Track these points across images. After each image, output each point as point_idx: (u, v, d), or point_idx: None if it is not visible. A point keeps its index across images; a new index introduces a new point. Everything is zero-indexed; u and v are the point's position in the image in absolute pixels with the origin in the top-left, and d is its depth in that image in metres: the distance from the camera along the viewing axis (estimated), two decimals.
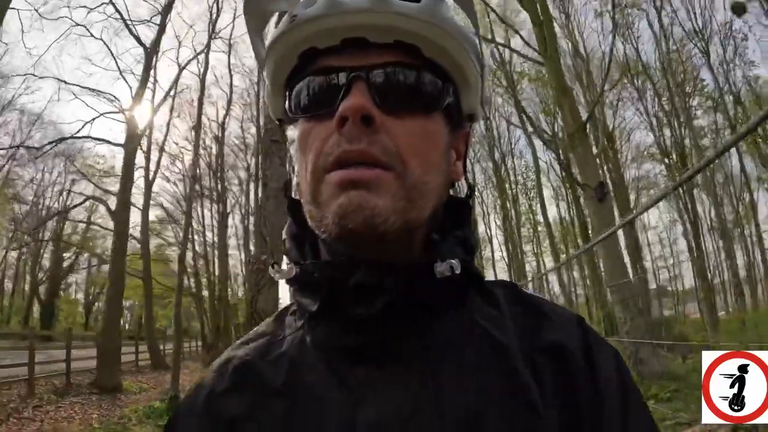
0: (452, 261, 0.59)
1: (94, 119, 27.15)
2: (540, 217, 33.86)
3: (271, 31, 0.69)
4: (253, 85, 31.57)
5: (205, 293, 30.99)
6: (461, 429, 0.57)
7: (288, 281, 0.66)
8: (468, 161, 0.75)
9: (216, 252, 31.22)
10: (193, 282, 31.69)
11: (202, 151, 29.80)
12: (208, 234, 32.70)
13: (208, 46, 25.55)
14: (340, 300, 0.60)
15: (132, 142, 19.63)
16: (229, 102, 30.03)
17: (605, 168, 27.04)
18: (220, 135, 30.41)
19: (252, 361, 0.67)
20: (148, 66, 20.99)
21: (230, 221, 32.89)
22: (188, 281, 31.55)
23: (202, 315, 31.30)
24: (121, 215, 18.73)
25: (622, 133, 29.29)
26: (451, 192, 0.71)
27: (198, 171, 28.93)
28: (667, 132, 26.03)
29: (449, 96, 0.65)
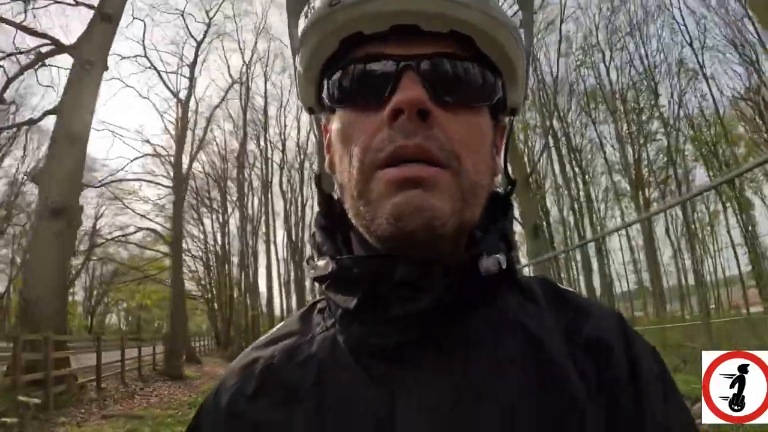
0: (498, 256, 0.53)
1: (136, 158, 27.66)
2: None
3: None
4: (259, 117, 32.05)
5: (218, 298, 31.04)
6: (503, 418, 0.49)
7: (323, 277, 0.56)
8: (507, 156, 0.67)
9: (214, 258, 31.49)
10: (206, 287, 31.73)
11: (210, 170, 30.20)
12: (210, 242, 32.83)
13: (244, 127, 26.20)
14: (380, 297, 0.52)
15: (180, 184, 21.79)
16: (245, 134, 30.49)
17: (574, 188, 27.33)
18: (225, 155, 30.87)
19: (279, 363, 0.58)
20: (185, 116, 21.82)
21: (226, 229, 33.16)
22: (198, 286, 31.67)
23: (215, 316, 31.32)
24: (175, 245, 21.18)
25: (594, 150, 29.46)
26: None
27: (195, 183, 29.32)
28: (629, 150, 26.31)
29: (499, 90, 0.58)
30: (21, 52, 14.90)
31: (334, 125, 0.58)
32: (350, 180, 0.54)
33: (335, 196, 0.63)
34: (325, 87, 0.58)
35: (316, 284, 0.59)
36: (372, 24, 0.52)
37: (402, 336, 0.52)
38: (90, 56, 12.51)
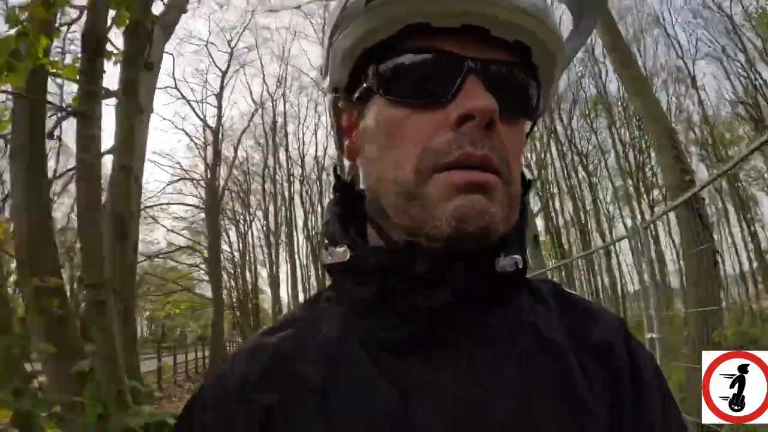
0: (515, 256, 0.51)
1: (171, 182, 27.88)
2: None
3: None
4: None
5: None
6: (512, 415, 0.47)
7: (337, 265, 0.54)
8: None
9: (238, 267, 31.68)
10: (231, 295, 31.81)
11: (234, 187, 30.52)
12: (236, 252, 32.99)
13: (268, 153, 26.33)
14: (393, 289, 0.49)
15: (215, 207, 22.52)
16: (272, 157, 30.88)
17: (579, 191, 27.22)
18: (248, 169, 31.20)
19: (286, 350, 0.54)
20: (216, 142, 22.22)
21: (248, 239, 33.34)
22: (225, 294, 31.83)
23: (243, 323, 31.43)
24: (213, 263, 21.80)
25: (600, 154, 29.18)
26: None
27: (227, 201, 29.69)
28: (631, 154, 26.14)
29: (541, 103, 0.54)
30: (67, 108, 15.98)
31: (374, 114, 0.53)
32: (399, 177, 0.49)
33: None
34: (371, 71, 0.52)
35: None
36: (445, 18, 0.48)
37: (412, 330, 0.49)
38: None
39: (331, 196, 0.60)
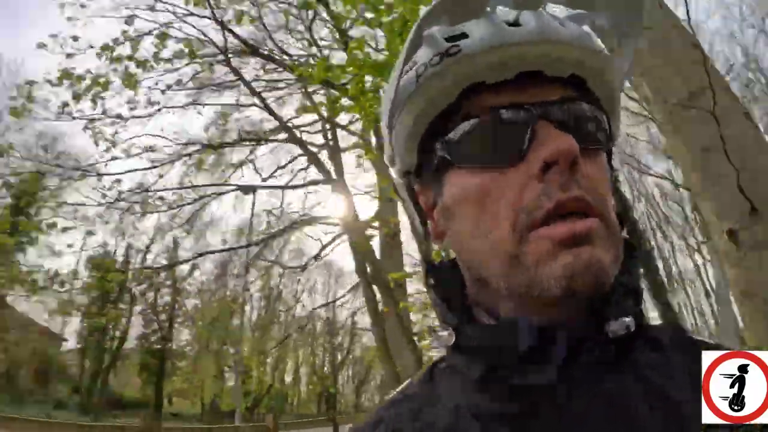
0: (626, 319, 0.43)
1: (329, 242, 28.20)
2: None
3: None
4: None
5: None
6: None
7: (448, 348, 0.50)
8: None
9: None
10: None
11: None
12: None
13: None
14: (503, 366, 0.44)
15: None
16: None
17: None
18: None
19: (403, 426, 0.49)
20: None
21: None
22: None
23: None
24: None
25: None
26: None
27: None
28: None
29: (610, 129, 0.50)
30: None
31: (453, 187, 0.48)
32: (496, 243, 0.44)
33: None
34: (439, 145, 0.48)
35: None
36: (498, 72, 0.45)
37: (527, 404, 0.44)
38: None
39: (430, 281, 0.53)
